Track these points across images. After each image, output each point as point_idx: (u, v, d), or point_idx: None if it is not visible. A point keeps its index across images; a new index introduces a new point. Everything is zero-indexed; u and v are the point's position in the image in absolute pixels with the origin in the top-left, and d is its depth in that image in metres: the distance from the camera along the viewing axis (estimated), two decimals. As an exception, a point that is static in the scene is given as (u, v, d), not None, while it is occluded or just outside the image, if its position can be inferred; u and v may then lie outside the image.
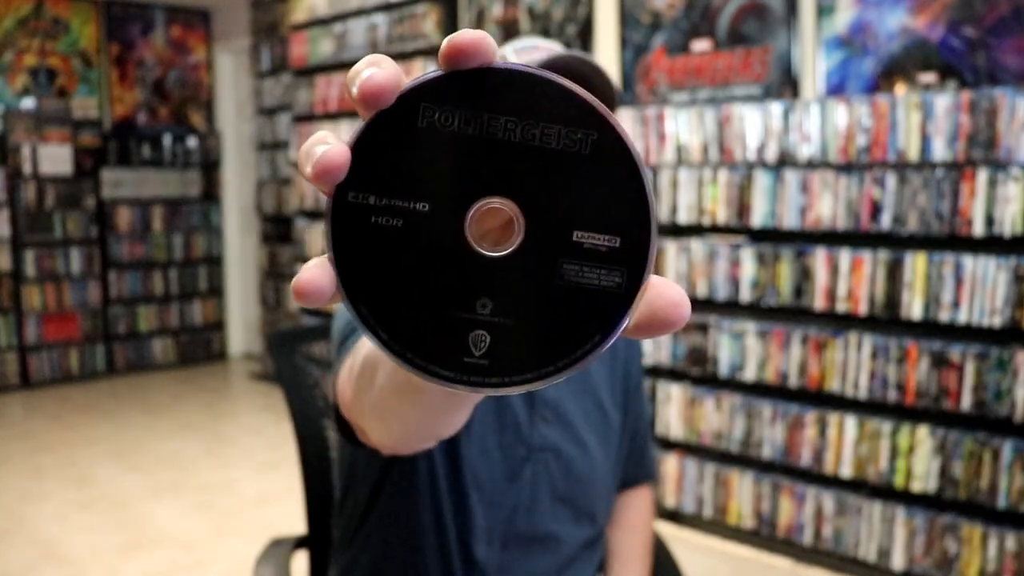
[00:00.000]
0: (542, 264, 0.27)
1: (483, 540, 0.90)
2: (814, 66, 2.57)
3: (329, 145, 0.28)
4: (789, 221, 2.48)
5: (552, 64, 0.85)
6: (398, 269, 0.27)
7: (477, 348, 0.27)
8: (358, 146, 0.27)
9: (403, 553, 0.90)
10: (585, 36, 3.19)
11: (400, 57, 3.72)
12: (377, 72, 0.27)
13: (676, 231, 2.78)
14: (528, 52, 0.89)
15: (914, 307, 2.25)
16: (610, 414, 0.99)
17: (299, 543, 1.22)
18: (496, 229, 0.28)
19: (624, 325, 0.28)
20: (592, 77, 0.85)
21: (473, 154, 0.27)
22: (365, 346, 0.59)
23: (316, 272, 0.28)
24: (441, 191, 0.27)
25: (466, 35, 0.27)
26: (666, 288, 0.29)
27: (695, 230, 2.73)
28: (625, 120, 2.85)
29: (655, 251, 0.28)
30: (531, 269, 0.27)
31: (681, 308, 0.29)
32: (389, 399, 0.51)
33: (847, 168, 2.36)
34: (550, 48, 0.91)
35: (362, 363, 0.59)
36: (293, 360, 1.25)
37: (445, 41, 0.28)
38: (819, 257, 2.42)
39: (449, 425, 0.53)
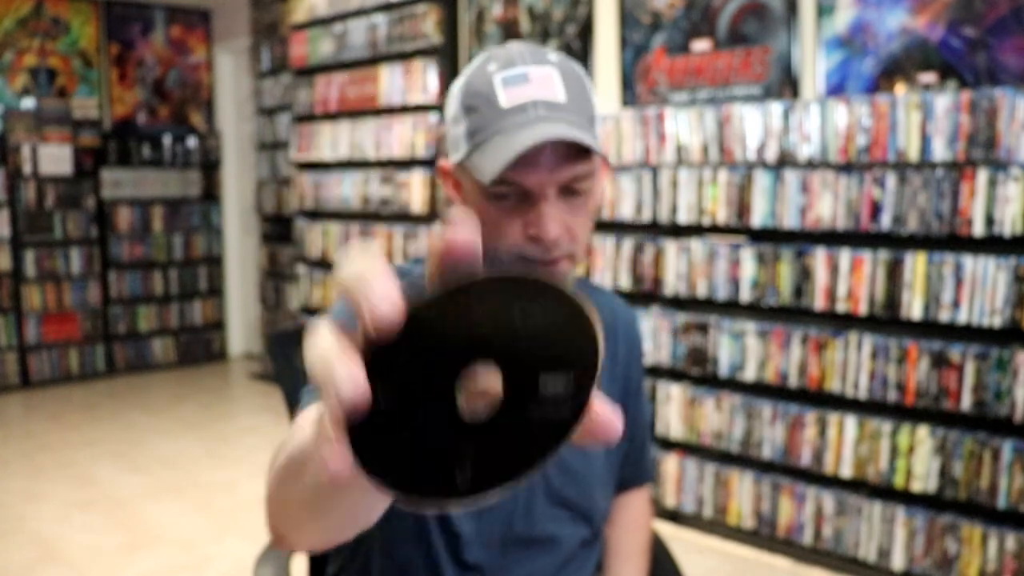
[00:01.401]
0: (516, 411, 0.32)
1: (478, 545, 0.90)
2: (814, 66, 2.57)
3: (346, 379, 0.31)
4: (789, 221, 2.48)
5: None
6: (401, 442, 0.32)
7: (461, 481, 0.33)
8: (369, 367, 0.31)
9: (390, 564, 0.91)
10: (585, 36, 3.19)
11: (400, 57, 3.72)
12: (383, 305, 0.31)
13: (676, 231, 2.78)
14: (519, 86, 0.80)
15: (914, 307, 2.25)
16: None
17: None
18: (480, 393, 0.33)
19: (564, 444, 0.33)
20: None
21: (458, 346, 0.32)
22: (297, 435, 0.53)
23: (334, 454, 0.33)
24: (432, 378, 0.32)
25: (457, 244, 0.31)
26: (603, 413, 0.34)
27: (695, 230, 2.73)
28: (625, 120, 2.85)
29: (599, 382, 0.33)
30: (507, 419, 0.32)
31: (613, 430, 0.34)
32: (310, 503, 0.48)
33: (847, 168, 2.36)
34: (542, 77, 0.80)
35: (288, 457, 0.52)
36: (292, 360, 1.24)
37: (437, 249, 0.31)
38: (819, 257, 2.42)
39: (361, 525, 0.50)
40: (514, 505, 0.91)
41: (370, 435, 0.32)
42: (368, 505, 0.45)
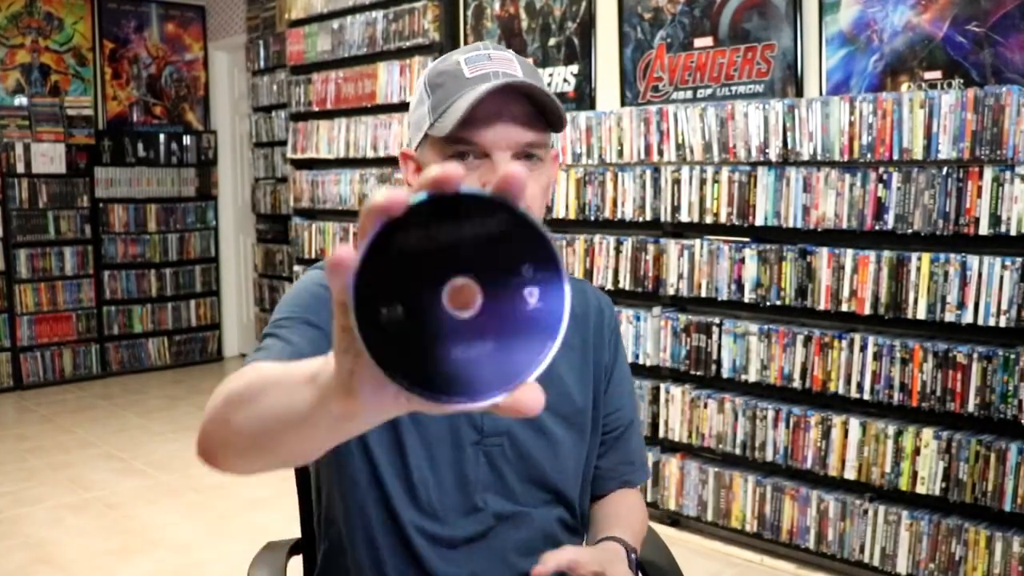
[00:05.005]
0: (501, 309, 0.38)
1: (455, 515, 0.94)
2: (818, 63, 2.54)
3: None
4: (792, 220, 2.45)
5: (497, 90, 0.86)
6: (409, 341, 0.37)
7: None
8: (371, 258, 0.36)
9: (363, 537, 0.95)
10: (585, 32, 3.16)
11: (398, 54, 3.69)
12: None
13: (678, 231, 2.75)
14: (481, 62, 0.90)
15: (919, 307, 2.22)
16: (578, 402, 1.02)
17: (293, 547, 1.19)
18: (467, 297, 0.37)
19: (563, 328, 0.38)
20: (540, 92, 0.87)
21: (443, 251, 0.37)
22: (259, 368, 0.57)
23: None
24: (424, 282, 0.37)
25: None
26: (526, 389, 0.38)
27: (697, 229, 2.70)
28: (626, 118, 2.82)
29: (567, 284, 0.38)
30: (493, 316, 0.37)
31: (533, 401, 0.38)
32: (278, 433, 0.51)
33: (851, 167, 2.34)
34: (503, 58, 0.91)
35: (247, 387, 0.56)
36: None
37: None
38: (823, 257, 2.39)
39: (319, 452, 0.53)
40: (475, 478, 0.95)
41: (381, 341, 0.36)
42: (321, 441, 0.49)
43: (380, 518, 0.94)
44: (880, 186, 2.27)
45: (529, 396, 0.38)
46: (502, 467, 0.96)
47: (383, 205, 0.37)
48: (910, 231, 2.23)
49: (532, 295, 0.38)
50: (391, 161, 3.71)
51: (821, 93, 2.53)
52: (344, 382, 0.40)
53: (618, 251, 2.85)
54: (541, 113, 0.88)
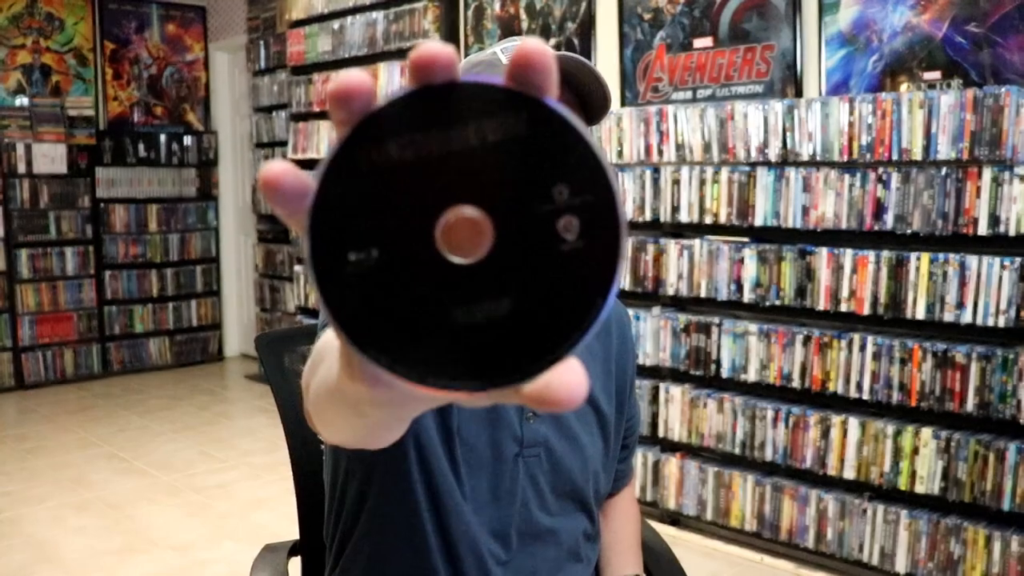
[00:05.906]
0: (524, 250, 0.27)
1: (486, 535, 0.90)
2: (817, 63, 2.54)
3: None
4: (792, 220, 2.45)
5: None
6: (387, 301, 0.27)
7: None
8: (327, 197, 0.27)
9: (405, 553, 0.90)
10: (585, 33, 3.16)
11: (398, 55, 3.69)
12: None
13: (677, 231, 2.75)
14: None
15: (918, 307, 2.22)
16: (605, 412, 1.00)
17: (292, 549, 1.19)
18: (470, 236, 0.27)
19: (618, 279, 0.28)
20: (582, 74, 0.83)
21: (435, 168, 0.27)
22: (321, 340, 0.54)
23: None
24: (407, 214, 0.27)
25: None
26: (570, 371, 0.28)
27: (697, 229, 2.70)
28: (626, 118, 2.83)
29: (623, 210, 0.28)
30: (511, 261, 0.27)
31: (577, 389, 0.28)
32: (325, 408, 0.46)
33: (850, 167, 2.34)
34: None
35: (312, 359, 0.53)
36: (282, 363, 1.22)
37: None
38: (822, 257, 2.39)
39: (380, 440, 0.48)
40: (513, 496, 0.91)
41: (348, 300, 0.27)
42: (358, 427, 0.42)
43: (435, 531, 0.89)
44: (879, 186, 2.27)
45: (567, 379, 0.27)
46: (539, 479, 0.93)
47: (353, 87, 0.26)
48: (909, 231, 2.23)
49: (569, 228, 0.27)
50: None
51: (821, 93, 2.54)
52: (344, 354, 0.31)
53: (618, 251, 2.86)
54: (582, 105, 0.85)
